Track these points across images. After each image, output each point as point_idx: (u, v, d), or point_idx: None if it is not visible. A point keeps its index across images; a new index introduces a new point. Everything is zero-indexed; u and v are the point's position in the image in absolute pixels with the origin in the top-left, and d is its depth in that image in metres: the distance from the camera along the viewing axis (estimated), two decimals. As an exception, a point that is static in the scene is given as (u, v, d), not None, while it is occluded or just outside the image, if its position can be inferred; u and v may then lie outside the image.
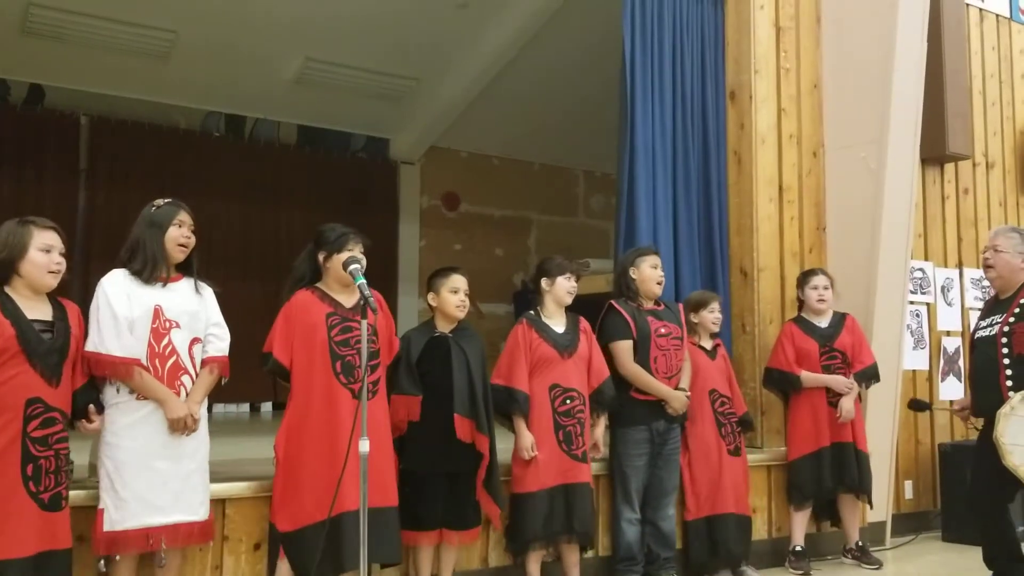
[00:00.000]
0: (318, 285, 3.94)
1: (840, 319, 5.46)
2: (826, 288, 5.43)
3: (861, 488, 5.35)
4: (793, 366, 5.35)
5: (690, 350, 5.05)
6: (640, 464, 4.73)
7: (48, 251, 3.27)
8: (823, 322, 5.44)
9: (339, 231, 3.91)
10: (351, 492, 3.54)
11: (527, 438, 4.34)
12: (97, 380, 3.42)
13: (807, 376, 5.32)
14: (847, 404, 5.24)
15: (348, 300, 3.90)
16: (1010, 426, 4.12)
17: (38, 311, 3.27)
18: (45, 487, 3.16)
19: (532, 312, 4.58)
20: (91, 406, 3.37)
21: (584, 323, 4.65)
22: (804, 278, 5.54)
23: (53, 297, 3.37)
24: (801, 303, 5.55)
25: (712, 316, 5.15)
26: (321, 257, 3.92)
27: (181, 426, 3.42)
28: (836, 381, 5.28)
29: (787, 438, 5.49)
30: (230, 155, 10.10)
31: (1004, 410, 4.15)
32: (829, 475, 5.28)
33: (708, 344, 5.17)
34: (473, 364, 4.21)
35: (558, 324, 4.54)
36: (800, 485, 5.35)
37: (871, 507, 5.58)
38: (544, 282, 4.58)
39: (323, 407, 3.73)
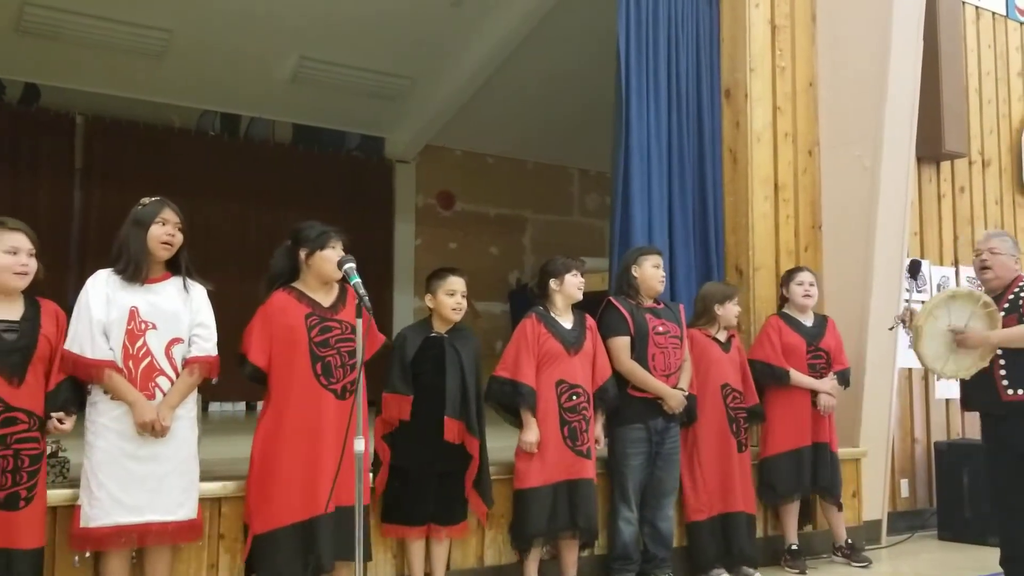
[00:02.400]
0: (295, 284, 3.89)
1: (823, 320, 5.46)
2: (812, 285, 5.40)
3: (830, 491, 5.31)
4: (780, 359, 5.28)
5: (704, 343, 5.05)
6: (637, 463, 4.70)
7: (14, 253, 3.23)
8: (807, 320, 5.41)
9: (319, 228, 3.87)
10: (326, 494, 3.56)
11: (533, 433, 4.34)
12: (80, 379, 3.40)
13: (796, 376, 5.26)
14: (826, 399, 5.25)
15: (326, 299, 3.87)
16: (939, 321, 4.36)
17: (5, 311, 3.24)
18: (1, 486, 3.13)
19: (541, 307, 4.58)
20: (60, 412, 3.30)
21: (591, 321, 4.66)
22: (789, 275, 5.50)
23: (30, 296, 3.34)
24: (783, 300, 5.50)
25: (736, 309, 5.16)
26: (302, 255, 3.87)
27: (148, 429, 3.39)
28: (824, 386, 5.25)
29: (763, 434, 5.37)
30: (225, 154, 10.09)
31: (941, 295, 4.49)
32: (808, 474, 5.24)
33: (722, 336, 5.15)
34: (466, 366, 4.20)
35: (566, 320, 4.56)
36: (775, 483, 5.25)
37: (840, 509, 5.43)
38: (553, 283, 4.57)
39: (303, 409, 3.69)
